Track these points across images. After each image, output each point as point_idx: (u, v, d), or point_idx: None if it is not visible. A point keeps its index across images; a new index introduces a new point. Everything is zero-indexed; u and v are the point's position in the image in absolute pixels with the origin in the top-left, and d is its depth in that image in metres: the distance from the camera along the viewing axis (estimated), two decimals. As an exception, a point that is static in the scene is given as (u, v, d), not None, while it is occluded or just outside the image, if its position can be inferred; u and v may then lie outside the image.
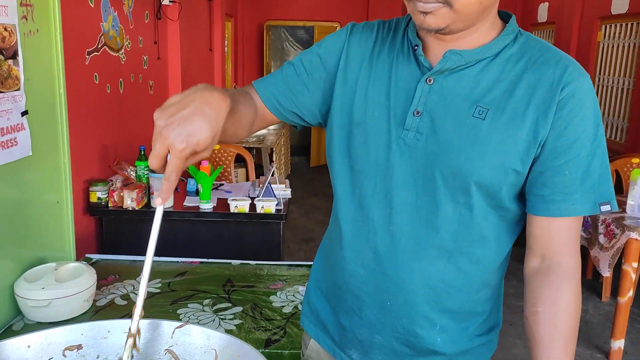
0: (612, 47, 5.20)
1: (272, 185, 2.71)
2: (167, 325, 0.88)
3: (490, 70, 0.89)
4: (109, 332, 0.88)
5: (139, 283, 0.78)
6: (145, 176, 2.64)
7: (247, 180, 3.72)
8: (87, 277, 1.72)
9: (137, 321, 0.80)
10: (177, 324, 0.88)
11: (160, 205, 0.77)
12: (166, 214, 0.76)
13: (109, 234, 2.58)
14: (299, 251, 4.43)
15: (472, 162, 0.87)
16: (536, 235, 0.92)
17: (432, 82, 0.91)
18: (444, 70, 0.90)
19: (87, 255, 2.24)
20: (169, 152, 0.73)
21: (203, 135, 0.73)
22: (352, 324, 1.01)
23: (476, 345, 1.00)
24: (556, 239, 0.91)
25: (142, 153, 2.64)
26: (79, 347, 0.84)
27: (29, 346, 0.81)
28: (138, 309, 0.80)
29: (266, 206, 2.57)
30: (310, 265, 2.21)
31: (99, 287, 1.85)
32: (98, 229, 2.60)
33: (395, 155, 0.93)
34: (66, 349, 0.84)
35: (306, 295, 1.16)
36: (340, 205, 1.01)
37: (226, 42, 5.81)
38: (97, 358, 0.85)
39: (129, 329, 0.81)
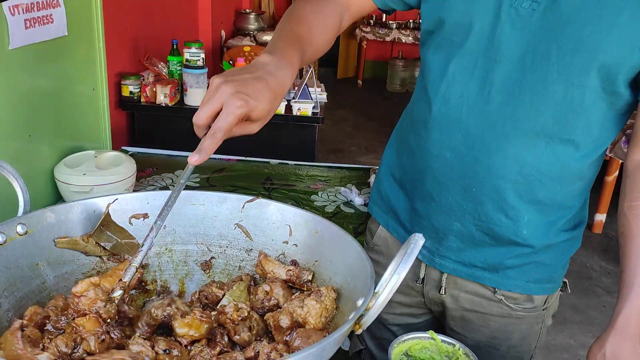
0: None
1: (309, 88, 2.61)
2: (236, 199, 0.82)
3: None
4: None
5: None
6: (178, 72, 2.53)
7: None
8: (127, 166, 1.68)
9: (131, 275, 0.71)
10: (247, 197, 0.82)
11: (194, 164, 0.66)
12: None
13: (141, 129, 2.52)
14: (327, 161, 4.36)
15: (598, 36, 0.77)
16: None
17: None
18: None
19: (122, 147, 2.20)
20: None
21: (262, 102, 0.67)
22: (429, 210, 0.95)
23: (561, 241, 0.94)
24: None
25: (175, 47, 2.52)
26: (145, 215, 0.80)
27: (94, 211, 0.76)
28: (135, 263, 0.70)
29: (303, 108, 2.48)
30: (350, 168, 2.15)
31: (137, 179, 1.81)
32: (129, 124, 2.54)
33: (505, 27, 0.82)
34: (132, 216, 0.79)
35: (376, 182, 1.10)
36: (429, 82, 0.92)
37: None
38: (164, 228, 0.80)
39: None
